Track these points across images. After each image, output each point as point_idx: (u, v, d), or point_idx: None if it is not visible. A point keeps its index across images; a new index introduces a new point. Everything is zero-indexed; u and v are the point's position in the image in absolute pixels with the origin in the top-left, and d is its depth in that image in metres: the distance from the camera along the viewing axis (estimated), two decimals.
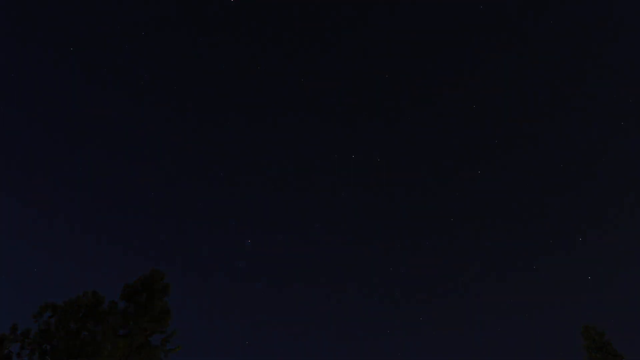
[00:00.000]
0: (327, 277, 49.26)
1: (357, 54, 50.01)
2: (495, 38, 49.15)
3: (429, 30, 49.81)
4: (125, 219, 47.56)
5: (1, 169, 43.92)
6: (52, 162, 46.40)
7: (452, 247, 49.66)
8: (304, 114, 50.59)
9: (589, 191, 47.17)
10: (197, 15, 46.37)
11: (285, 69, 49.14)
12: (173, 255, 47.28)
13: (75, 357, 16.60)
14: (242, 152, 49.95)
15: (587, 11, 46.49)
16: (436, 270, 48.97)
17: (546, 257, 47.02)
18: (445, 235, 50.20)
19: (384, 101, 50.47)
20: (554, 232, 47.89)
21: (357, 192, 51.11)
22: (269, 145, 50.20)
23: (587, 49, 47.01)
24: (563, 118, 48.70)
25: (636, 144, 45.26)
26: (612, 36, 45.90)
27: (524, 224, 49.14)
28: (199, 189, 49.65)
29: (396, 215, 50.93)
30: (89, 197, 46.94)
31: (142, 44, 47.15)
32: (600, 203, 46.56)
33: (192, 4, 46.25)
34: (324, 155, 50.11)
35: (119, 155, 48.26)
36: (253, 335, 43.23)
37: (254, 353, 40.91)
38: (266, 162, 50.65)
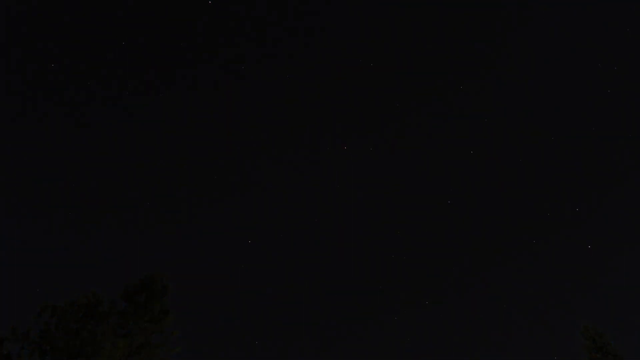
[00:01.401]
0: (329, 273, 49.34)
1: (343, 42, 50.03)
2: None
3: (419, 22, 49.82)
4: (125, 218, 47.61)
5: (0, 168, 43.94)
6: (51, 161, 46.43)
7: (450, 237, 49.77)
8: (293, 109, 50.59)
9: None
10: (176, 16, 46.32)
11: (269, 66, 49.16)
12: (174, 255, 47.32)
13: (75, 357, 16.62)
14: (237, 151, 50.03)
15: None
16: (435, 263, 49.08)
17: (544, 255, 47.10)
18: (443, 225, 50.33)
19: (373, 92, 50.48)
20: (554, 230, 47.97)
21: (353, 184, 51.21)
22: (262, 144, 50.30)
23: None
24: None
25: None
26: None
27: (524, 221, 49.22)
28: (198, 189, 49.71)
29: (395, 206, 51.00)
30: (88, 196, 46.98)
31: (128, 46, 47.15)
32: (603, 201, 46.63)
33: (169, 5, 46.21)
34: (317, 149, 50.16)
35: (118, 154, 48.30)
36: (262, 335, 43.32)
37: (264, 353, 40.96)
38: (263, 160, 50.71)
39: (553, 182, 48.61)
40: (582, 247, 46.20)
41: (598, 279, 44.27)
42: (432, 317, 45.63)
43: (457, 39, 49.38)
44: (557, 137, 48.66)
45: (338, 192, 50.45)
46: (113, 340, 17.18)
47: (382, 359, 43.04)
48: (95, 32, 44.55)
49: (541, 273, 46.75)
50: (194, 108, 49.69)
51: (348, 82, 51.04)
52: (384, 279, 48.76)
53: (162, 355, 17.99)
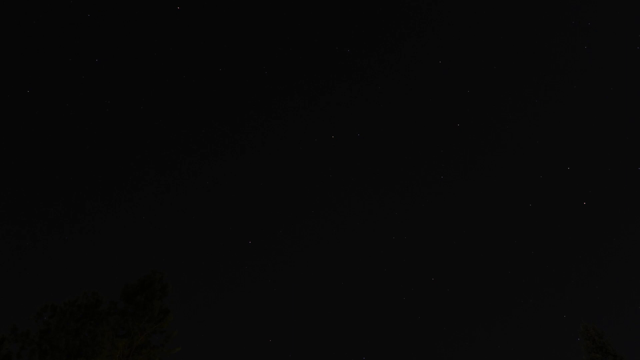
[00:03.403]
0: (328, 272, 49.28)
1: (324, 31, 49.97)
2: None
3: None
4: (125, 218, 47.59)
5: (0, 168, 43.95)
6: (52, 161, 46.45)
7: (449, 235, 49.74)
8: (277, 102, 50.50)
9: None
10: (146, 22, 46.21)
11: (248, 64, 49.09)
12: (174, 255, 47.29)
13: (75, 357, 16.61)
14: (232, 151, 50.02)
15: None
16: (432, 259, 49.02)
17: (544, 255, 47.02)
18: (442, 222, 50.28)
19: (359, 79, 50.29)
20: (554, 231, 47.91)
21: (344, 173, 51.13)
22: (252, 141, 50.29)
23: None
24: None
25: None
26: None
27: (523, 222, 49.16)
28: (198, 188, 49.69)
29: (390, 198, 50.92)
30: (89, 196, 46.97)
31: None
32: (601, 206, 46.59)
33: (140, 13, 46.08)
34: (305, 140, 50.07)
35: (118, 154, 48.30)
36: (274, 333, 43.26)
37: (277, 350, 40.91)
38: (257, 159, 50.68)
39: (552, 181, 48.60)
40: (582, 247, 46.17)
41: (598, 279, 44.24)
42: (431, 315, 45.62)
43: (460, 37, 49.37)
44: (557, 140, 48.67)
45: (331, 183, 50.42)
46: (113, 340, 17.17)
47: (384, 355, 43.06)
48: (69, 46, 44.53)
49: (541, 272, 46.73)
50: (189, 107, 49.71)
51: (338, 75, 51.06)
52: (385, 268, 48.72)
53: (162, 355, 17.97)
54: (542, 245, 47.35)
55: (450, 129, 49.98)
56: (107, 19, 45.00)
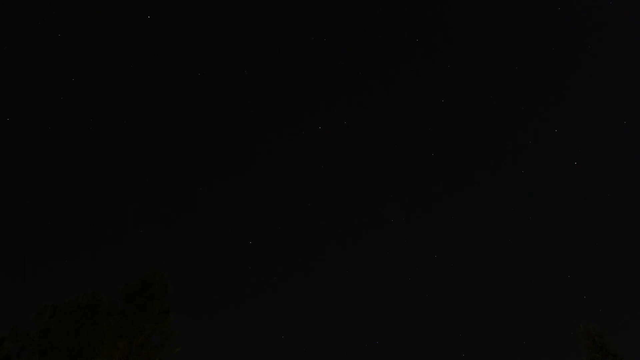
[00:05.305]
0: (329, 270, 49.22)
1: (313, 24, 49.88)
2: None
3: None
4: (125, 217, 47.56)
5: (0, 168, 43.95)
6: (51, 160, 46.41)
7: (447, 236, 49.74)
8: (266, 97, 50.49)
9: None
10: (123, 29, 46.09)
11: (226, 66, 49.12)
12: (174, 255, 47.26)
13: (75, 357, 16.59)
14: (232, 151, 50.05)
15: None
16: (429, 258, 48.98)
17: (545, 257, 47.02)
18: (432, 208, 50.27)
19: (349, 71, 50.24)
20: (552, 231, 47.89)
21: (335, 162, 51.10)
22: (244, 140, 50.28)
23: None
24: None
25: None
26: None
27: (522, 224, 49.13)
28: (198, 189, 49.66)
29: (386, 192, 50.83)
30: (88, 196, 46.93)
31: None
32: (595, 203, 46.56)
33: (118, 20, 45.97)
34: (293, 135, 50.06)
35: (118, 154, 48.27)
36: (285, 329, 43.25)
37: (291, 345, 40.91)
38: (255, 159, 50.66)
39: (541, 146, 48.60)
40: (583, 247, 46.16)
41: (598, 279, 44.26)
42: (438, 292, 45.61)
43: (463, 35, 49.36)
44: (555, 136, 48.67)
45: (323, 174, 50.40)
46: (113, 341, 17.15)
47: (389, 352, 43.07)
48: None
49: (541, 238, 46.72)
50: (178, 111, 49.71)
51: (319, 67, 51.04)
52: (387, 252, 48.66)
53: (162, 355, 17.95)
54: (539, 209, 47.37)
55: (435, 105, 50.02)
56: (78, 36, 45.10)
